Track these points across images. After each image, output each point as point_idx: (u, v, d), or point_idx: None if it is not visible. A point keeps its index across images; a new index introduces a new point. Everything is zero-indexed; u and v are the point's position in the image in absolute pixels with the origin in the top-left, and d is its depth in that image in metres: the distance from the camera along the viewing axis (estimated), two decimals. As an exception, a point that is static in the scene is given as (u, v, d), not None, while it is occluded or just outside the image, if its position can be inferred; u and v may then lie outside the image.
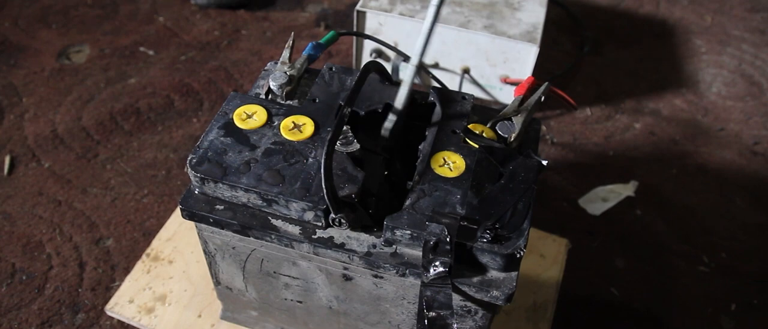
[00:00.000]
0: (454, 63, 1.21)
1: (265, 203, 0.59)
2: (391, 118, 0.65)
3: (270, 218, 0.59)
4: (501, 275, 0.56)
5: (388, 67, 1.21)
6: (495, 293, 0.55)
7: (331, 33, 0.73)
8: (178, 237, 0.94)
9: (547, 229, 0.99)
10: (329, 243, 0.58)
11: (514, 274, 0.56)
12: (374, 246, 0.58)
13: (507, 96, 1.22)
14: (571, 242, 0.98)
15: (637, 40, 1.53)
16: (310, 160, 0.60)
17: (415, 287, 0.60)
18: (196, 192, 0.61)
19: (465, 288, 0.56)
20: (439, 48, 1.19)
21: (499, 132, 0.65)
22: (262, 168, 0.59)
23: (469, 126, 0.65)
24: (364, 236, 0.58)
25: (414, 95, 0.71)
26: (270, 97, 0.68)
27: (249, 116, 0.64)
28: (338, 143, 0.62)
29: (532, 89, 0.68)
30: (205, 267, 0.84)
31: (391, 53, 1.21)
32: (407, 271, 0.57)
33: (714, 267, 1.02)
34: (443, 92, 0.70)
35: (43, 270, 0.93)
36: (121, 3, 1.51)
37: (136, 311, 0.85)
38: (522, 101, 0.66)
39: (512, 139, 0.64)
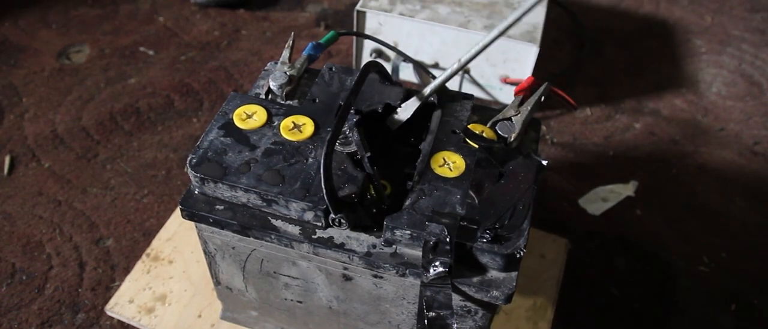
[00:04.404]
0: (454, 63, 1.21)
1: (265, 203, 0.59)
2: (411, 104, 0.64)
3: (270, 218, 0.59)
4: (501, 275, 0.56)
5: (388, 67, 1.21)
6: (495, 293, 0.55)
7: (331, 33, 0.73)
8: (178, 237, 0.94)
9: (547, 229, 0.99)
10: (329, 243, 0.58)
11: (514, 274, 0.56)
12: (374, 246, 0.58)
13: (507, 96, 1.22)
14: (571, 242, 0.98)
15: (637, 40, 1.53)
16: (310, 160, 0.60)
17: (415, 287, 0.60)
18: (196, 192, 0.61)
19: (465, 288, 0.56)
20: (439, 48, 1.19)
21: (499, 132, 0.65)
22: (262, 168, 0.59)
23: (469, 126, 0.65)
24: (363, 236, 0.58)
25: (414, 94, 0.71)
26: (270, 97, 0.68)
27: (249, 116, 0.64)
28: (338, 143, 0.62)
29: (532, 89, 0.68)
30: (205, 267, 0.84)
31: (391, 53, 1.21)
32: (407, 271, 0.57)
33: (714, 267, 1.02)
34: (443, 91, 0.70)
35: (43, 270, 0.93)
36: (121, 3, 1.51)
37: (136, 311, 0.85)
38: (522, 101, 0.66)
39: (512, 139, 0.64)
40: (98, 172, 1.09)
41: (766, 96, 1.38)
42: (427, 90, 0.64)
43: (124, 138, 1.15)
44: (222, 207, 0.60)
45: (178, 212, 0.98)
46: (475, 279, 0.56)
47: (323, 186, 0.54)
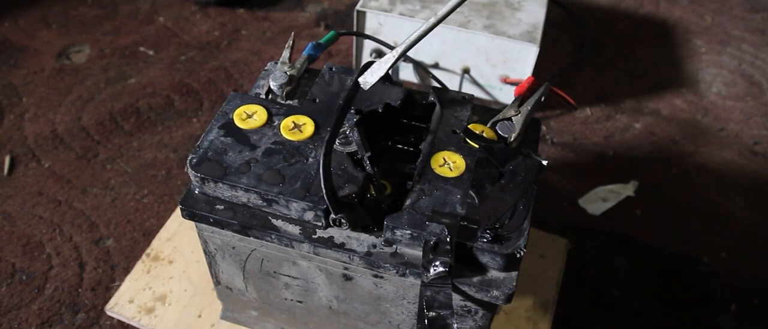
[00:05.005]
0: (454, 63, 1.21)
1: (265, 203, 0.59)
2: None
3: (270, 218, 0.59)
4: (501, 275, 0.56)
5: (388, 67, 1.21)
6: (495, 293, 0.55)
7: (331, 33, 0.73)
8: (178, 237, 0.94)
9: (547, 229, 0.99)
10: (329, 243, 0.58)
11: (514, 274, 0.56)
12: (374, 246, 0.58)
13: (507, 96, 1.22)
14: (571, 242, 0.98)
15: (637, 40, 1.53)
16: (311, 160, 0.60)
17: (415, 287, 0.60)
18: (196, 192, 0.61)
19: (465, 288, 0.56)
20: (439, 48, 1.19)
21: (499, 132, 0.65)
22: (262, 168, 0.59)
23: (469, 126, 0.65)
24: (364, 236, 0.58)
25: (414, 94, 0.71)
26: (270, 97, 0.68)
27: (249, 116, 0.64)
28: (338, 143, 0.62)
29: (532, 89, 0.68)
30: (205, 267, 0.84)
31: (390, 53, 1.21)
32: (407, 271, 0.57)
33: (714, 267, 1.02)
34: (443, 91, 0.70)
35: (43, 270, 0.93)
36: (121, 3, 1.51)
37: (136, 311, 0.85)
38: (522, 101, 0.66)
39: (512, 139, 0.64)
40: (98, 172, 1.09)
41: (766, 96, 1.38)
42: (399, 49, 0.61)
43: (124, 138, 1.15)
44: (222, 207, 0.60)
45: (178, 212, 0.98)
46: (475, 279, 0.56)
47: (323, 186, 0.54)
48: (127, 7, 1.50)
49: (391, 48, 0.86)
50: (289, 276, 0.66)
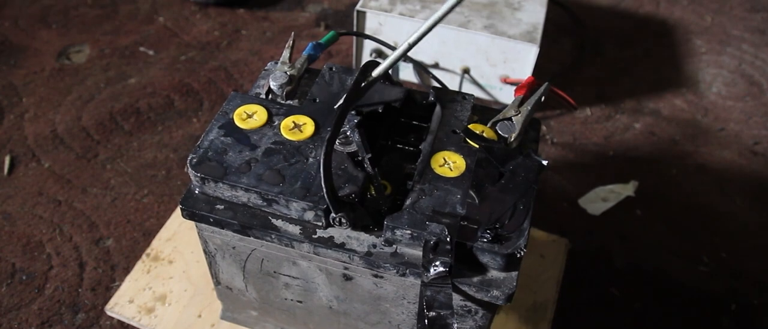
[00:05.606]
0: (454, 63, 1.21)
1: (265, 203, 0.59)
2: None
3: (270, 217, 0.59)
4: (501, 275, 0.56)
5: (388, 67, 1.21)
6: (495, 293, 0.55)
7: (331, 33, 0.73)
8: (178, 237, 0.94)
9: (547, 229, 0.99)
10: (329, 243, 0.58)
11: (514, 274, 0.56)
12: (374, 246, 0.58)
13: (507, 96, 1.22)
14: (571, 243, 0.98)
15: (637, 40, 1.53)
16: (311, 160, 0.60)
17: (415, 287, 0.60)
18: (197, 192, 0.61)
19: (465, 288, 0.56)
20: (439, 48, 1.19)
21: (499, 132, 0.65)
22: (262, 168, 0.59)
23: (469, 126, 0.65)
24: (364, 235, 0.58)
25: (414, 94, 0.71)
26: (270, 97, 0.68)
27: (249, 116, 0.64)
28: (338, 142, 0.62)
29: (532, 89, 0.68)
30: (205, 267, 0.84)
31: (390, 53, 1.21)
32: (407, 271, 0.57)
33: (714, 267, 1.02)
34: (443, 91, 0.70)
35: (43, 270, 0.93)
36: (121, 3, 1.51)
37: (136, 311, 0.85)
38: (522, 101, 0.66)
39: (512, 139, 0.64)
40: (98, 172, 1.09)
41: (766, 96, 1.38)
42: (401, 49, 0.63)
43: (124, 138, 1.15)
44: (222, 207, 0.60)
45: (178, 212, 0.98)
46: (475, 279, 0.56)
47: (323, 185, 0.54)
48: (127, 7, 1.50)
49: (392, 48, 0.87)
50: (289, 275, 0.66)
